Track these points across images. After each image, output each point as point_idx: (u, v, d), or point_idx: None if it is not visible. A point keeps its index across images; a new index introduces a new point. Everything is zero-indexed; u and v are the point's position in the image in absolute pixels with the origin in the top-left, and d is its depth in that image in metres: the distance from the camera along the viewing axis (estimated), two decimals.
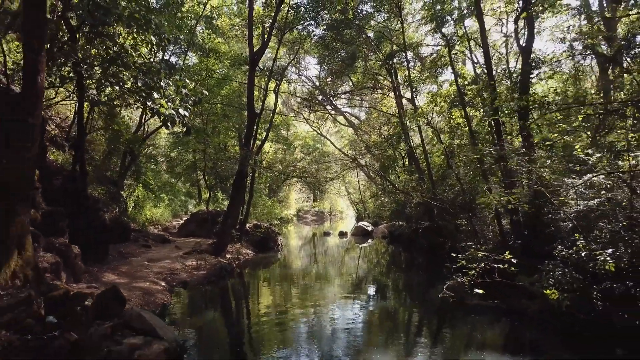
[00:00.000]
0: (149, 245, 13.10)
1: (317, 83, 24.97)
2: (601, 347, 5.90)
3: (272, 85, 17.79)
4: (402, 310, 8.77)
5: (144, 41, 7.59)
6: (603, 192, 6.81)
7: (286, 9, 14.75)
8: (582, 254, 6.41)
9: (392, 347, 6.27)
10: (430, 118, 13.18)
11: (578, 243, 6.59)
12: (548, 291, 6.35)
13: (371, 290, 10.57)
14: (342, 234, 24.67)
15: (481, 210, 11.85)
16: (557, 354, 6.00)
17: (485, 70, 12.48)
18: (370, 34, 18.19)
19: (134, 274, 9.82)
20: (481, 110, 9.76)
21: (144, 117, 16.67)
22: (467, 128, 12.59)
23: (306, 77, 27.42)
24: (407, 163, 21.25)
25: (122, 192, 15.84)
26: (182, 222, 19.29)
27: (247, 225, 16.78)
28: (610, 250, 6.08)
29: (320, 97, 26.18)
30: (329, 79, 23.70)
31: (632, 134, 6.52)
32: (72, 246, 7.48)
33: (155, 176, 18.10)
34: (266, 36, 13.89)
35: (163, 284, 9.50)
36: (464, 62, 21.35)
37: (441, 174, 14.44)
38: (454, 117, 12.12)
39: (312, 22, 15.58)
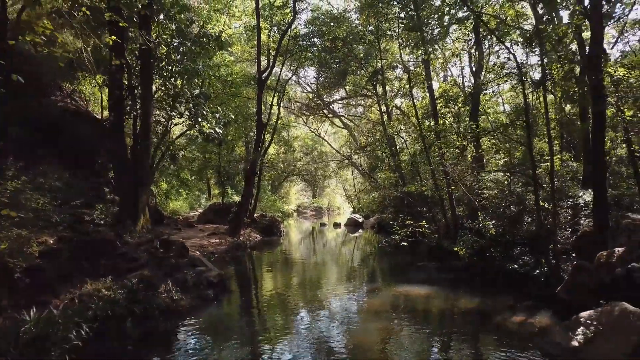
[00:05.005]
0: (179, 228, 16.58)
1: (316, 89, 28.28)
2: (491, 283, 9.29)
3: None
4: (369, 268, 12.30)
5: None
6: (495, 184, 10.28)
7: (287, 37, 18.14)
8: (480, 225, 9.89)
9: (362, 283, 9.79)
10: (400, 128, 16.60)
11: (480, 218, 10.06)
12: (457, 248, 9.84)
13: (348, 258, 14.09)
14: (337, 225, 28.04)
15: (440, 202, 15.31)
16: (461, 286, 9.46)
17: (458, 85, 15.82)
18: (360, 46, 21.45)
19: None
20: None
21: (169, 124, 20.09)
22: (431, 136, 16.04)
23: (306, 84, 30.74)
24: (391, 163, 24.71)
25: (152, 187, 19.35)
26: (197, 213, 22.76)
27: (255, 215, 20.30)
28: (493, 222, 9.55)
29: (318, 101, 29.57)
30: (324, 90, 27.17)
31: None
32: None
33: (174, 173, 21.52)
34: (271, 61, 17.33)
35: (197, 253, 12.98)
36: (445, 77, 24.90)
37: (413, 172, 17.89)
38: (416, 129, 15.54)
39: (310, 47, 19.01)
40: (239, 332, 6.47)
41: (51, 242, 6.37)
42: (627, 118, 8.36)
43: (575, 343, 5.05)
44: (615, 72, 7.69)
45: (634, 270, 5.56)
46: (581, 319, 5.21)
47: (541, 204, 8.83)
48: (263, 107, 22.41)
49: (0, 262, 4.95)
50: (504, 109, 20.06)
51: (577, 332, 5.13)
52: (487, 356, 5.59)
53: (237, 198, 24.93)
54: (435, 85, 22.64)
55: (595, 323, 5.03)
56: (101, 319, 5.17)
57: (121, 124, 8.45)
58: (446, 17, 15.98)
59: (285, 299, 8.51)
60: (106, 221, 8.68)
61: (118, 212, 8.20)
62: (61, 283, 5.84)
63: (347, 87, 27.28)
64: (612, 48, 20.59)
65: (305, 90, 31.12)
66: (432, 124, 12.77)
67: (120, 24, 7.17)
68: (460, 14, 15.52)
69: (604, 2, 9.09)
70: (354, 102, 32.96)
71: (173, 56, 10.46)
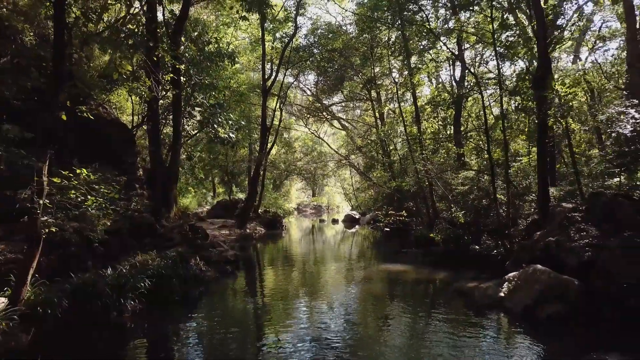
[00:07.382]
0: (192, 222, 18.46)
1: (315, 93, 30.12)
2: (460, 263, 11.15)
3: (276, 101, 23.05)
4: (361, 254, 14.20)
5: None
6: (467, 180, 12.16)
7: (289, 49, 20.02)
8: (453, 215, 11.76)
9: (354, 263, 11.68)
10: (391, 131, 18.51)
11: (452, 209, 11.93)
12: (432, 234, 11.70)
13: (343, 247, 15.97)
14: (335, 222, 29.87)
15: (424, 196, 17.19)
16: (435, 265, 11.31)
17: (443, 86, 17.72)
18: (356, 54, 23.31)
19: None
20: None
21: (189, 128, 21.95)
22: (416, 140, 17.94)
23: (306, 88, 32.55)
24: (385, 163, 26.59)
25: None
26: (205, 209, 24.67)
27: (259, 210, 22.20)
28: (463, 212, 11.42)
29: (317, 104, 31.41)
30: (323, 94, 29.04)
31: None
32: None
33: (190, 171, 23.40)
34: (274, 71, 19.21)
35: None
36: (438, 81, 26.78)
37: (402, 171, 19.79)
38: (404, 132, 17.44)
39: (310, 58, 20.92)
40: (253, 296, 8.38)
41: (109, 224, 8.26)
42: (571, 127, 10.25)
43: (501, 294, 6.94)
44: (555, 89, 9.56)
45: (550, 244, 7.43)
46: (507, 278, 7.11)
47: (499, 196, 10.70)
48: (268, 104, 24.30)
49: (84, 235, 6.82)
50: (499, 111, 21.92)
51: (503, 287, 7.02)
52: (441, 305, 7.47)
53: (241, 195, 26.86)
54: (427, 90, 24.61)
55: (516, 279, 6.92)
56: (156, 278, 7.04)
57: (158, 130, 10.34)
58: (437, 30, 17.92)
59: (290, 275, 10.40)
60: (139, 210, 10.56)
61: (153, 202, 10.10)
62: (120, 253, 7.72)
63: (345, 92, 29.15)
64: (586, 59, 22.49)
65: (305, 94, 32.96)
66: (415, 130, 14.66)
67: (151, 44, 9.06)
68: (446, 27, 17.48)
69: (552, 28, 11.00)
70: (351, 105, 34.82)
71: (192, 71, 12.35)
